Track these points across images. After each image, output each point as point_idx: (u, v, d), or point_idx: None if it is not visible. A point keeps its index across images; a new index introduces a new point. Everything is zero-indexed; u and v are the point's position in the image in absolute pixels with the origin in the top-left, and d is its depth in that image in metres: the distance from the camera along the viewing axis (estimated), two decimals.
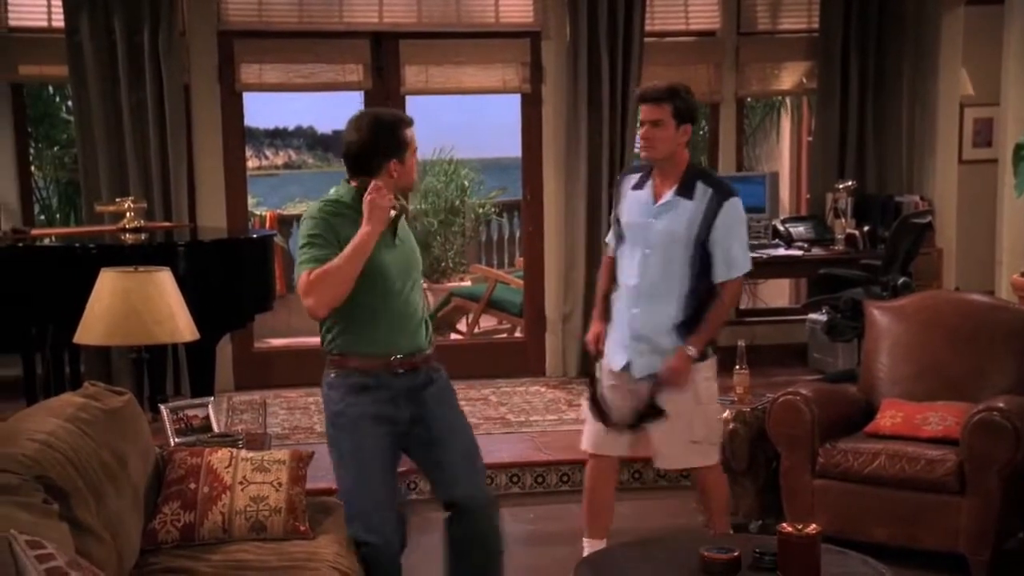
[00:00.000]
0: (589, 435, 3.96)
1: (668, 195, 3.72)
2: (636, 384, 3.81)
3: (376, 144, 3.21)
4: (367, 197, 3.13)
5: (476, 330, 8.23)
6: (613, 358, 3.85)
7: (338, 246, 3.15)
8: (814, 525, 2.96)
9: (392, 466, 3.32)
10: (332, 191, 3.38)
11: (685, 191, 3.71)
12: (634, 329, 3.78)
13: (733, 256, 3.76)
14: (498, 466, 5.10)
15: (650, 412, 3.75)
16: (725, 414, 4.59)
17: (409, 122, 3.28)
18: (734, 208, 3.73)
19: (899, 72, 7.08)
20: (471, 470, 3.41)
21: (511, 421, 5.94)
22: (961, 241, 7.20)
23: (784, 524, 2.98)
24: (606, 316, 3.91)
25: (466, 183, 10.40)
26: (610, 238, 4.02)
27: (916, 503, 4.15)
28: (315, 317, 3.23)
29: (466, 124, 12.33)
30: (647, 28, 6.91)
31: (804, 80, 7.47)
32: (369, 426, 3.24)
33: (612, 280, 3.93)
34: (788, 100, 9.52)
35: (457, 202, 10.19)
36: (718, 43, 7.21)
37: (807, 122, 9.10)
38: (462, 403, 6.36)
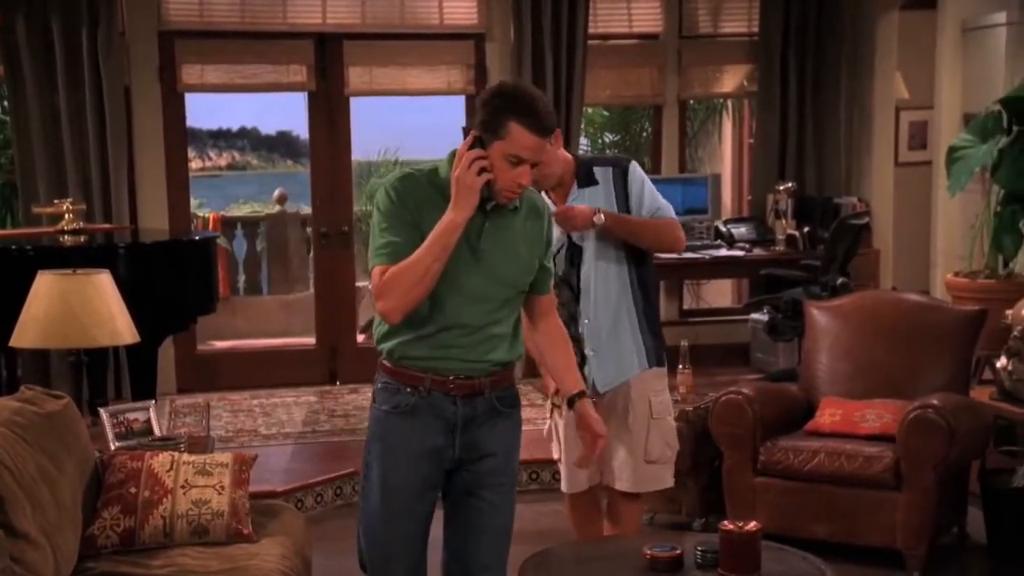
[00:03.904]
0: (566, 477, 3.66)
1: (573, 193, 3.51)
2: (602, 400, 3.50)
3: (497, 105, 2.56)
4: (455, 171, 2.54)
5: None
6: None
7: (419, 230, 2.57)
8: (755, 523, 2.98)
9: (425, 513, 2.77)
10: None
11: (587, 182, 3.52)
12: (592, 342, 3.52)
13: (661, 207, 3.51)
14: None
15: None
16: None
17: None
18: (637, 171, 3.54)
19: (837, 76, 7.20)
20: (501, 549, 2.83)
21: None
22: (897, 242, 7.33)
23: (725, 522, 2.99)
24: None
25: None
26: None
27: (855, 500, 4.21)
28: (390, 323, 2.63)
29: (411, 125, 12.31)
30: (590, 31, 6.96)
31: (745, 83, 7.56)
32: (410, 462, 2.68)
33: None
34: (730, 103, 9.62)
35: None
36: (660, 46, 7.27)
37: (748, 124, 9.21)
38: None
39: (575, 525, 3.77)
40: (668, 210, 3.54)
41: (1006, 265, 5.89)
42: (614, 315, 3.52)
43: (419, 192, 2.60)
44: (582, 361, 3.44)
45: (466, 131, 2.63)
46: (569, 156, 3.55)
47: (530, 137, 2.53)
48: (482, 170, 2.53)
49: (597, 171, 3.53)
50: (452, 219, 2.52)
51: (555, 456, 3.71)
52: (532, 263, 2.72)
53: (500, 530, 2.79)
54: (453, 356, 2.64)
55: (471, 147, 2.53)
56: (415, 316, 2.61)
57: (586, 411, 2.81)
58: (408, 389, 2.66)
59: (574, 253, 3.52)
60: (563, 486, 3.69)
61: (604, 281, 3.52)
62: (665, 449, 3.62)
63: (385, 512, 2.72)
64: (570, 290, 3.52)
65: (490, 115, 2.54)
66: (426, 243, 2.53)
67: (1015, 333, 4.73)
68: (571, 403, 2.84)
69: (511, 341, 2.70)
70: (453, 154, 2.60)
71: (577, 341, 3.43)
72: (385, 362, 2.71)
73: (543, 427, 3.76)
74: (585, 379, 3.34)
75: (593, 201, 3.48)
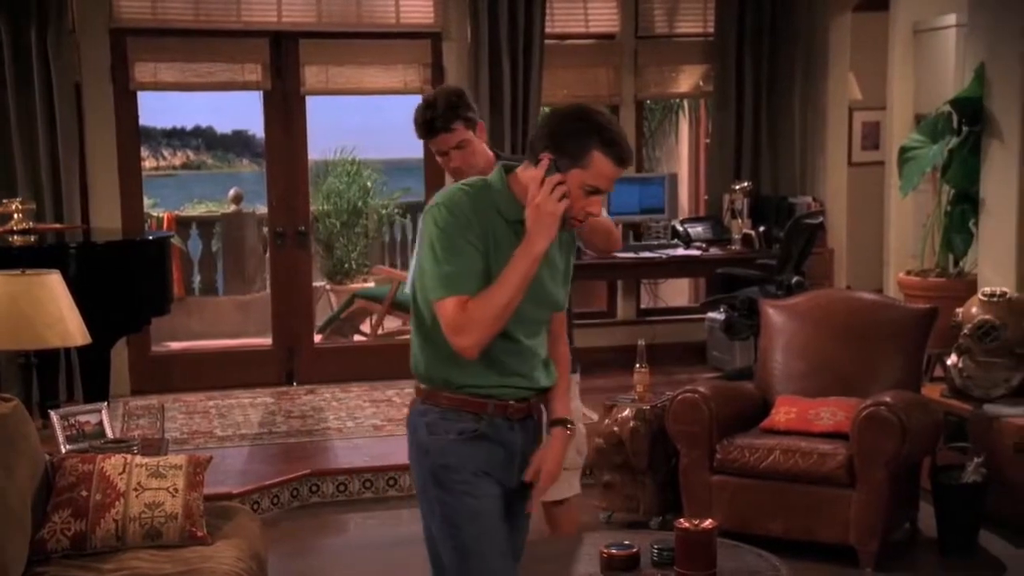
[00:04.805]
0: None
1: None
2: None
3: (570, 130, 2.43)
4: (535, 198, 2.38)
5: (380, 331, 8.20)
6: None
7: (480, 250, 2.42)
8: (710, 520, 3.01)
9: (510, 546, 2.61)
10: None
11: None
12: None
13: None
14: (403, 468, 5.09)
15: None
16: (626, 412, 4.65)
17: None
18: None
19: (791, 76, 7.26)
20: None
21: None
22: (851, 241, 7.42)
23: (681, 520, 3.03)
24: None
25: (369, 184, 10.36)
26: None
27: (809, 497, 4.25)
28: (467, 358, 2.43)
29: (368, 125, 12.27)
30: (547, 30, 6.97)
31: (701, 83, 7.61)
32: (481, 480, 2.53)
33: None
34: (686, 103, 9.68)
35: (360, 203, 10.14)
36: (617, 46, 7.30)
37: (704, 124, 9.26)
38: (365, 405, 6.46)
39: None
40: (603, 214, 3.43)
41: (956, 264, 5.97)
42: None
43: (474, 209, 2.45)
44: None
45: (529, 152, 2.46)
46: (491, 153, 3.45)
47: (611, 168, 2.41)
48: (562, 196, 2.39)
49: None
50: (534, 250, 2.38)
51: None
52: (568, 279, 2.65)
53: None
54: (511, 381, 2.53)
55: (547, 172, 2.38)
56: None
57: (558, 442, 2.64)
58: (471, 416, 2.51)
59: None
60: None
61: None
62: (576, 456, 3.57)
63: (484, 542, 2.52)
64: None
65: (570, 140, 2.39)
66: (507, 277, 2.39)
67: (965, 331, 4.81)
68: (551, 425, 2.70)
69: (548, 363, 2.63)
70: (503, 168, 2.51)
71: None
72: (441, 392, 2.52)
73: None
74: None
75: None
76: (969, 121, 5.59)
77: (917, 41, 6.88)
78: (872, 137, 7.63)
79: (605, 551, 2.98)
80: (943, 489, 4.42)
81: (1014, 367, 4.75)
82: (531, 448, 2.58)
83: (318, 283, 9.11)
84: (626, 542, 3.04)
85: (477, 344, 2.40)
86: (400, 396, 6.48)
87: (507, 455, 2.54)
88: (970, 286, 5.49)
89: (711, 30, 7.31)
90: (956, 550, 4.39)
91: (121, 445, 3.66)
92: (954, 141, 5.68)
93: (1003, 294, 4.85)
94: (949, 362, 4.91)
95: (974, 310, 4.84)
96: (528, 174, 2.44)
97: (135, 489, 3.21)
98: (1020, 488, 4.47)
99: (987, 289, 4.96)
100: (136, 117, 6.85)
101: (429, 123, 3.30)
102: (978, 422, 4.67)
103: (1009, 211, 5.39)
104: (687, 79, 7.64)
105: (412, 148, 3.44)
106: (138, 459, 3.35)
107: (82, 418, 3.85)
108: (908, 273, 6.10)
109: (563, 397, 2.72)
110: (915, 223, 6.56)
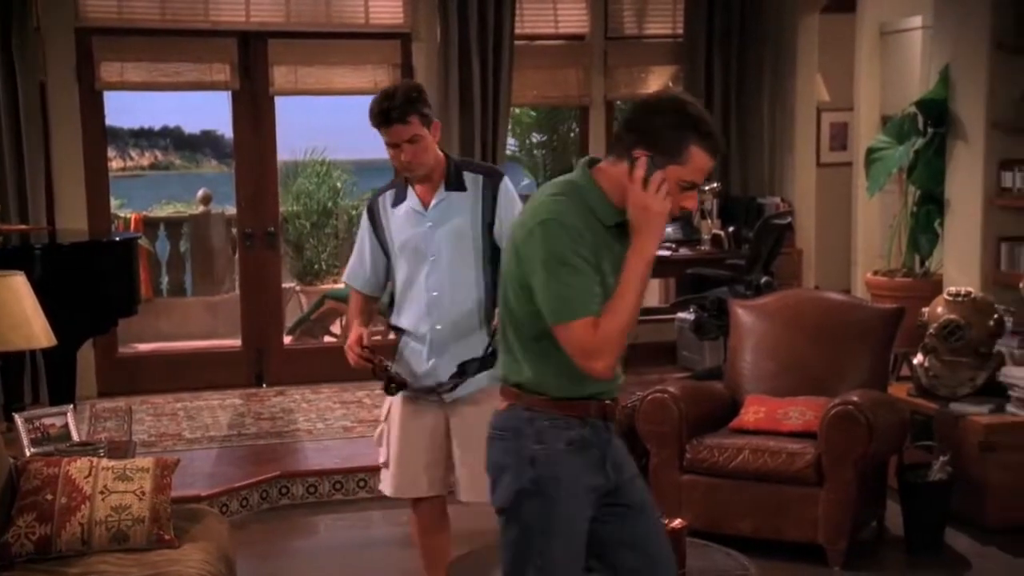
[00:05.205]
0: (401, 480, 3.49)
1: (439, 194, 3.41)
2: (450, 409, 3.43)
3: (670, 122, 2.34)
4: (641, 197, 2.32)
5: None
6: (422, 381, 3.41)
7: (594, 263, 2.34)
8: (680, 520, 3.03)
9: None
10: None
11: (455, 185, 3.41)
12: (440, 346, 3.39)
13: None
14: (374, 469, 5.07)
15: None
16: None
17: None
18: (510, 188, 3.44)
19: (760, 78, 7.31)
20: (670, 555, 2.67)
21: None
22: (819, 241, 7.47)
23: None
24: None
25: (339, 185, 10.34)
26: (353, 276, 3.56)
27: (778, 496, 4.28)
28: (604, 379, 2.38)
29: (338, 125, 12.22)
30: (517, 31, 6.97)
31: (671, 84, 7.63)
32: (584, 497, 2.47)
33: (366, 315, 3.53)
34: None
35: (330, 204, 10.13)
36: (587, 47, 7.32)
37: None
38: (335, 407, 6.44)
39: (419, 535, 3.60)
40: None
41: (923, 264, 6.03)
42: (463, 319, 3.39)
43: (578, 219, 2.34)
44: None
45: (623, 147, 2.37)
46: (441, 154, 3.43)
47: (708, 161, 2.33)
48: (668, 194, 2.32)
49: (467, 177, 3.43)
50: (647, 254, 2.32)
51: (382, 460, 3.54)
52: None
53: (653, 505, 2.67)
54: (608, 382, 2.46)
55: (648, 170, 2.31)
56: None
57: None
58: (577, 422, 2.45)
59: (419, 248, 3.40)
60: (391, 491, 3.53)
61: (458, 289, 3.39)
62: None
63: (571, 560, 2.47)
64: (422, 294, 3.41)
65: (667, 135, 2.30)
66: (627, 287, 2.31)
67: (931, 331, 4.85)
68: None
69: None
70: (587, 162, 2.43)
71: (425, 344, 3.39)
72: (549, 399, 2.44)
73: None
74: (435, 388, 3.36)
75: (460, 207, 3.39)
76: (934, 122, 5.66)
77: (884, 43, 6.95)
78: (840, 138, 7.69)
79: None
80: (910, 487, 4.45)
81: (978, 366, 4.80)
82: (615, 449, 2.54)
83: (288, 284, 9.07)
84: None
85: (612, 364, 2.33)
86: (371, 397, 6.46)
87: (600, 456, 2.50)
88: (936, 286, 5.55)
89: (680, 31, 7.35)
90: (922, 548, 4.43)
91: (87, 448, 3.63)
92: (920, 142, 5.75)
93: (968, 294, 4.89)
94: (915, 361, 4.95)
95: (939, 310, 4.88)
96: (618, 170, 2.36)
97: (101, 492, 3.18)
98: (985, 486, 4.52)
99: (952, 289, 5.01)
100: (102, 117, 6.80)
101: (385, 112, 3.29)
102: (944, 421, 4.72)
103: (973, 212, 5.46)
104: (657, 80, 7.67)
105: (382, 149, 3.42)
106: (104, 462, 3.33)
107: (47, 421, 3.82)
108: (875, 273, 6.16)
109: None
110: (882, 223, 6.63)
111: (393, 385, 3.36)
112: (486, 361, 3.19)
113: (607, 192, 2.38)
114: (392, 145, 3.34)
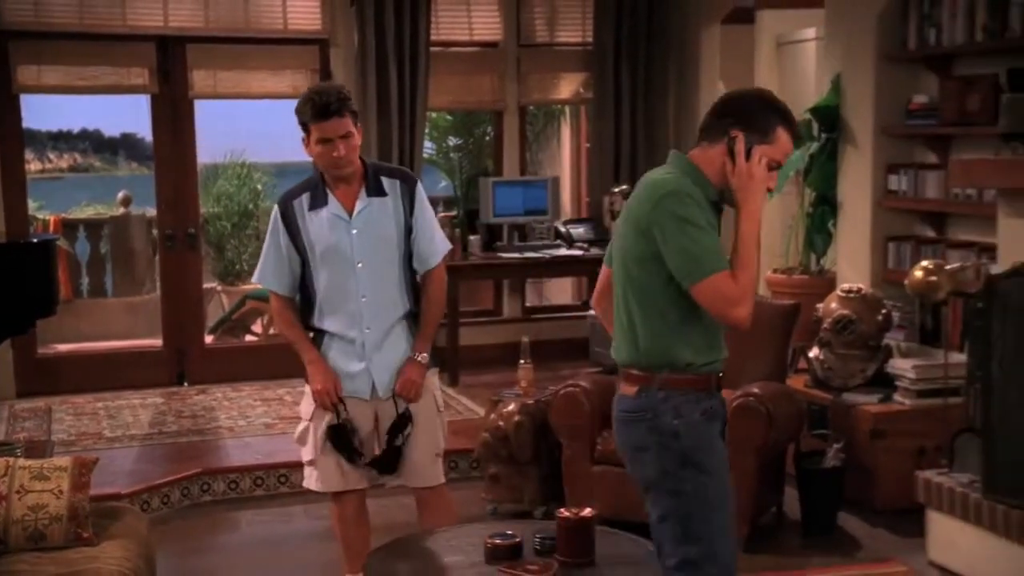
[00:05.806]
0: (327, 475, 3.55)
1: (362, 200, 3.44)
2: (382, 404, 3.54)
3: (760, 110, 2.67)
4: (747, 167, 2.60)
5: (271, 332, 8.24)
6: (358, 389, 3.50)
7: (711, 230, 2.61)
8: (589, 509, 3.09)
9: None
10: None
11: (376, 191, 3.45)
12: (372, 348, 3.48)
13: (438, 240, 3.55)
14: (295, 465, 5.15)
15: (402, 422, 3.51)
16: (511, 407, 4.82)
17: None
18: (422, 193, 3.53)
19: (666, 84, 7.50)
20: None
21: None
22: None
23: (562, 509, 3.08)
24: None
25: (259, 187, 10.35)
26: (273, 280, 3.54)
27: None
28: (744, 328, 2.59)
29: (258, 128, 12.23)
30: (433, 38, 7.09)
31: (581, 90, 7.83)
32: (724, 461, 2.73)
33: (297, 323, 3.56)
34: (567, 109, 9.87)
35: (250, 206, 10.14)
36: (500, 53, 7.47)
37: (585, 130, 9.49)
38: (256, 404, 6.51)
39: (343, 532, 3.65)
40: (442, 248, 3.56)
41: (818, 262, 6.27)
42: (391, 321, 3.49)
43: (693, 189, 2.61)
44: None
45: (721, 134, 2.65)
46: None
47: (790, 143, 2.66)
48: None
49: (385, 181, 3.48)
50: (754, 214, 2.61)
51: (308, 458, 3.58)
52: None
53: None
54: (720, 353, 2.72)
55: (747, 145, 2.60)
56: (693, 317, 2.62)
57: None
58: (705, 394, 2.68)
59: (344, 253, 3.45)
60: (318, 486, 3.58)
61: (386, 292, 3.48)
62: (443, 443, 3.68)
63: (729, 524, 2.72)
64: (352, 299, 3.47)
65: (758, 118, 2.61)
66: (744, 245, 2.59)
67: (825, 325, 5.07)
68: None
69: None
70: (678, 152, 2.70)
71: (356, 346, 3.49)
72: (680, 374, 2.65)
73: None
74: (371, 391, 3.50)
75: (382, 212, 3.45)
76: (827, 128, 5.85)
77: (780, 53, 7.19)
78: None
79: (489, 541, 3.00)
80: (806, 474, 4.63)
81: (869, 358, 5.00)
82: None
83: (209, 284, 9.08)
84: (509, 532, 3.06)
85: (751, 312, 2.55)
86: (292, 395, 6.54)
87: (722, 425, 2.74)
88: (830, 283, 5.74)
89: (590, 39, 7.50)
90: (818, 530, 4.60)
91: (3, 448, 3.65)
92: (814, 147, 5.95)
93: (859, 290, 5.07)
94: (811, 354, 5.11)
95: (833, 305, 5.05)
96: (715, 151, 2.64)
97: (17, 492, 3.18)
98: (875, 471, 4.73)
99: (844, 285, 5.19)
100: (19, 119, 6.78)
101: (326, 106, 3.32)
102: (837, 410, 4.90)
103: (863, 212, 5.69)
104: (567, 86, 7.85)
105: (302, 152, 3.51)
106: (21, 461, 3.31)
107: None
108: (775, 271, 6.37)
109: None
110: (782, 224, 6.85)
111: (342, 429, 3.48)
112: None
113: (706, 172, 2.66)
114: (325, 141, 3.35)
